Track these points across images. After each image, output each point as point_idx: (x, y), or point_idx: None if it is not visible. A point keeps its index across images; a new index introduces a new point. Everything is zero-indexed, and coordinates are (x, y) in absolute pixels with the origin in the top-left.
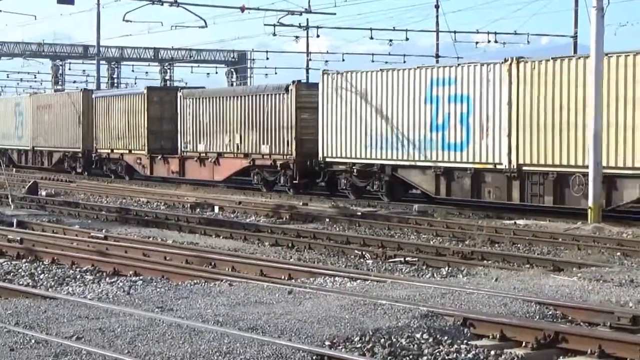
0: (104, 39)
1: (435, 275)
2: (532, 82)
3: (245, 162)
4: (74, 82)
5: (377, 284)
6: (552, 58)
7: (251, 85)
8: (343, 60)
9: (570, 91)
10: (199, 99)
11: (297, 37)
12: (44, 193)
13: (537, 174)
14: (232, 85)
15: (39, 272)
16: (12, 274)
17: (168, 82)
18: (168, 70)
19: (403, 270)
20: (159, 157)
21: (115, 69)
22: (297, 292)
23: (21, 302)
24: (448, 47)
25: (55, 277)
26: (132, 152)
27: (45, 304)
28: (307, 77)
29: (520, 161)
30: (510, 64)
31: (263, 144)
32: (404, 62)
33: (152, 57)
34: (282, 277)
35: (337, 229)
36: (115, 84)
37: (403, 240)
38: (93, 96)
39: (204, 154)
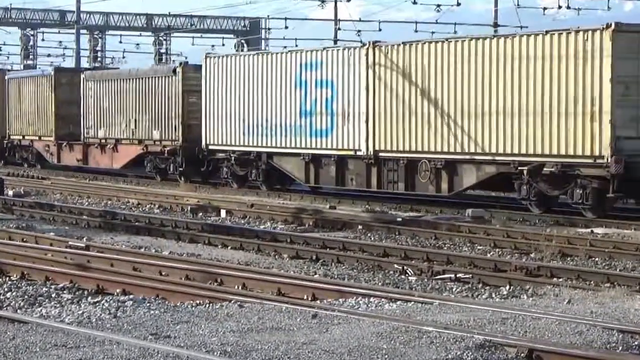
0: (86, 3)
1: (493, 295)
2: (386, 68)
3: (139, 148)
4: (49, 55)
5: (422, 307)
6: (402, 43)
7: (147, 67)
8: (379, 29)
9: (417, 76)
10: (100, 81)
11: (323, 0)
12: (10, 192)
13: (392, 160)
14: None
15: (5, 289)
16: None
17: (164, 57)
18: (164, 42)
19: (454, 289)
20: (65, 143)
21: (99, 39)
22: (323, 316)
23: None
24: (509, 14)
25: (25, 296)
26: (42, 138)
27: (13, 329)
28: None
29: (377, 147)
30: (368, 49)
31: (155, 129)
32: (455, 32)
33: (145, 26)
34: (305, 298)
35: (372, 239)
36: (99, 59)
37: (454, 253)
38: (6, 77)
39: (104, 140)
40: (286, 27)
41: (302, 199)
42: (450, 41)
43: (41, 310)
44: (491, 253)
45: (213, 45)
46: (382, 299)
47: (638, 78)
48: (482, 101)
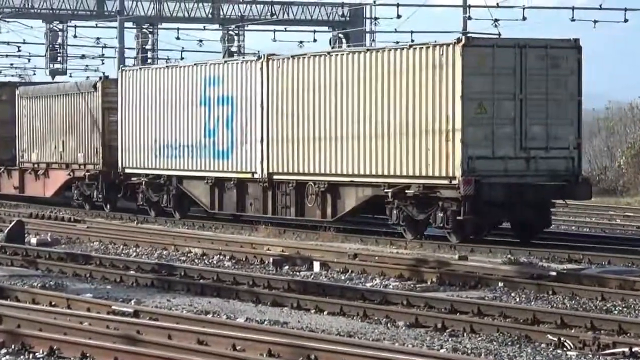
0: None
1: None
2: (279, 84)
3: (66, 174)
4: (82, 57)
5: None
6: (292, 56)
7: (72, 81)
8: (524, 18)
9: (303, 93)
10: (33, 98)
11: None
12: (34, 240)
13: (284, 183)
14: None
15: None
16: None
17: (236, 56)
18: (235, 37)
19: None
20: (3, 169)
21: (150, 35)
22: None
23: None
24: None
25: None
26: None
27: None
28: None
29: (271, 170)
30: (262, 62)
31: (79, 151)
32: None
33: (210, 17)
34: None
35: (517, 300)
36: (150, 59)
37: (627, 319)
38: None
39: (36, 165)
40: (398, 17)
41: (422, 246)
42: (331, 55)
43: None
44: None
45: (301, 42)
46: None
47: (493, 95)
48: (354, 119)
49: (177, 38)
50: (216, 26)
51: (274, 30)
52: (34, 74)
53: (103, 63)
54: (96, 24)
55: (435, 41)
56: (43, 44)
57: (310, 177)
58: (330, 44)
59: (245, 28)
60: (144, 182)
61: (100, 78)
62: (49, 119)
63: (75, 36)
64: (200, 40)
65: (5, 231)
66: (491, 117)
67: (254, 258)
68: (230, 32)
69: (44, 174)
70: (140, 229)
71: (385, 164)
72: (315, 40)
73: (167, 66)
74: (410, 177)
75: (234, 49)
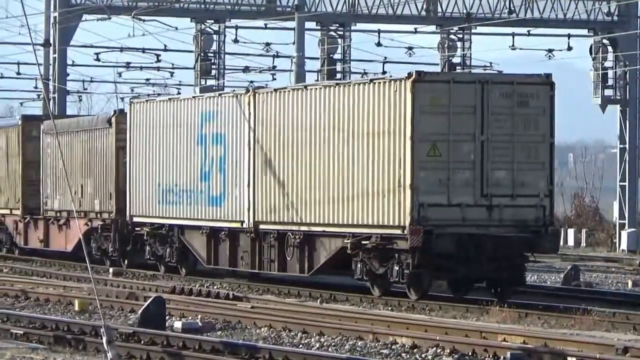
0: None
1: None
2: (263, 120)
3: (83, 223)
4: (246, 69)
5: None
6: (274, 89)
7: (90, 116)
8: None
9: (279, 132)
10: (57, 135)
11: None
12: (178, 324)
13: (268, 233)
14: None
15: None
16: None
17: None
18: (459, 44)
19: None
20: (28, 219)
21: (340, 39)
22: None
23: None
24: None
25: None
26: (13, 212)
27: None
28: None
29: (257, 218)
30: (250, 96)
31: (96, 198)
32: None
33: (424, 14)
34: None
35: None
36: (339, 72)
37: None
38: None
39: (59, 214)
40: None
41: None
42: (306, 89)
43: None
44: None
45: (550, 51)
46: None
47: (449, 136)
48: (322, 162)
49: (378, 44)
50: (432, 28)
51: (512, 34)
52: (179, 93)
53: (274, 78)
54: (265, 25)
55: (391, 75)
56: (191, 51)
57: (288, 227)
58: (591, 54)
59: (472, 31)
60: (145, 233)
61: (115, 112)
62: (69, 159)
63: (235, 41)
64: (410, 48)
65: (139, 312)
66: (447, 161)
67: (484, 352)
68: (452, 37)
69: (65, 224)
70: (326, 310)
71: (348, 213)
72: (570, 49)
73: (169, 99)
74: (370, 226)
75: (456, 59)
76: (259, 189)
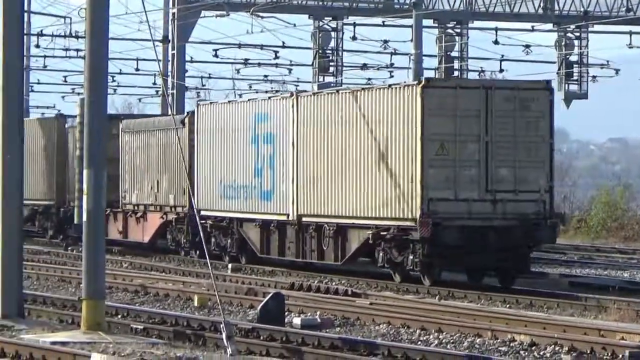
0: None
1: None
2: (305, 120)
3: (159, 217)
4: (364, 66)
5: None
6: (313, 93)
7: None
8: None
9: (319, 131)
10: (133, 133)
11: None
12: (297, 320)
13: (309, 225)
14: None
15: None
16: None
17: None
18: (576, 42)
19: None
20: (109, 211)
21: (457, 37)
22: None
23: None
24: None
25: None
26: None
27: None
28: None
29: (300, 211)
30: (293, 99)
31: (170, 192)
32: None
33: (541, 12)
34: None
35: None
36: (457, 70)
37: None
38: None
39: (136, 207)
40: None
41: None
42: (338, 93)
43: None
44: None
45: None
46: None
47: (456, 136)
48: (350, 160)
49: (495, 42)
50: (549, 26)
51: (630, 33)
52: (297, 90)
53: (392, 76)
54: (383, 22)
55: (405, 81)
56: (309, 48)
57: (324, 219)
58: None
59: (590, 29)
60: (209, 225)
61: (188, 113)
62: (146, 156)
63: (354, 38)
64: (527, 46)
65: (259, 307)
66: (454, 159)
67: (602, 350)
68: (569, 35)
69: (142, 217)
70: (444, 307)
71: (371, 206)
72: None
73: (229, 101)
74: (389, 219)
75: (573, 57)
76: (301, 184)
